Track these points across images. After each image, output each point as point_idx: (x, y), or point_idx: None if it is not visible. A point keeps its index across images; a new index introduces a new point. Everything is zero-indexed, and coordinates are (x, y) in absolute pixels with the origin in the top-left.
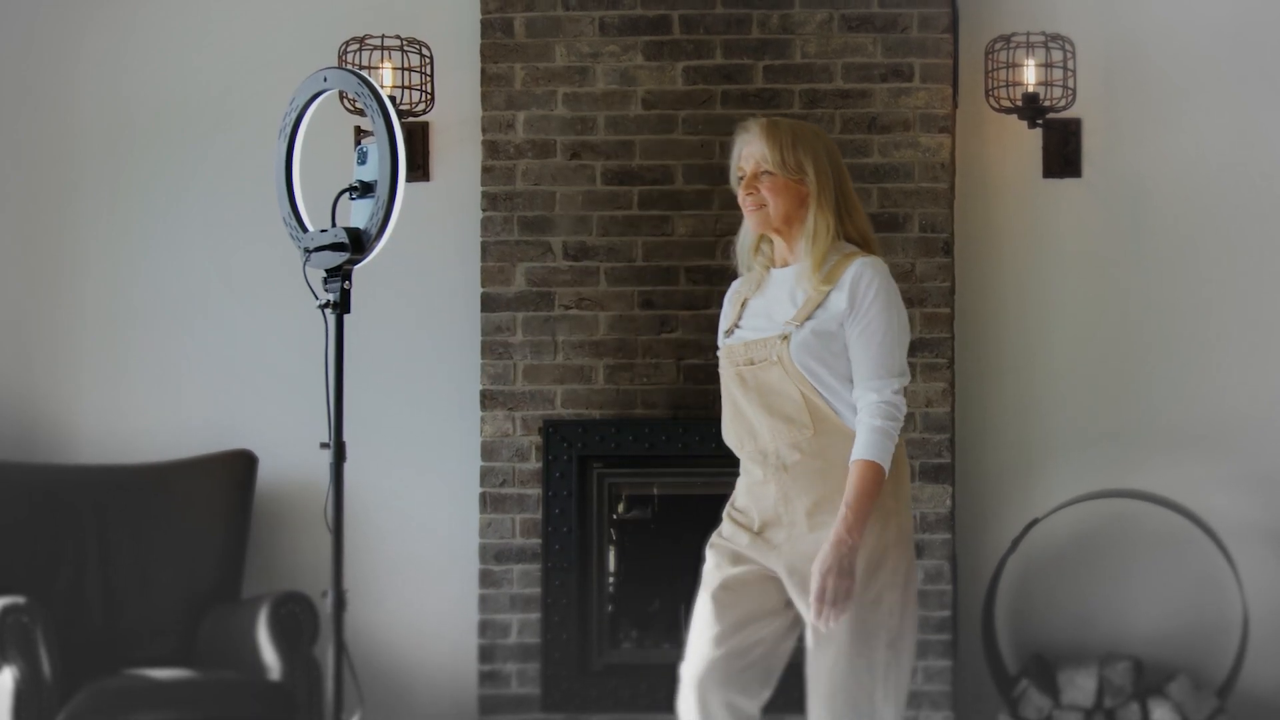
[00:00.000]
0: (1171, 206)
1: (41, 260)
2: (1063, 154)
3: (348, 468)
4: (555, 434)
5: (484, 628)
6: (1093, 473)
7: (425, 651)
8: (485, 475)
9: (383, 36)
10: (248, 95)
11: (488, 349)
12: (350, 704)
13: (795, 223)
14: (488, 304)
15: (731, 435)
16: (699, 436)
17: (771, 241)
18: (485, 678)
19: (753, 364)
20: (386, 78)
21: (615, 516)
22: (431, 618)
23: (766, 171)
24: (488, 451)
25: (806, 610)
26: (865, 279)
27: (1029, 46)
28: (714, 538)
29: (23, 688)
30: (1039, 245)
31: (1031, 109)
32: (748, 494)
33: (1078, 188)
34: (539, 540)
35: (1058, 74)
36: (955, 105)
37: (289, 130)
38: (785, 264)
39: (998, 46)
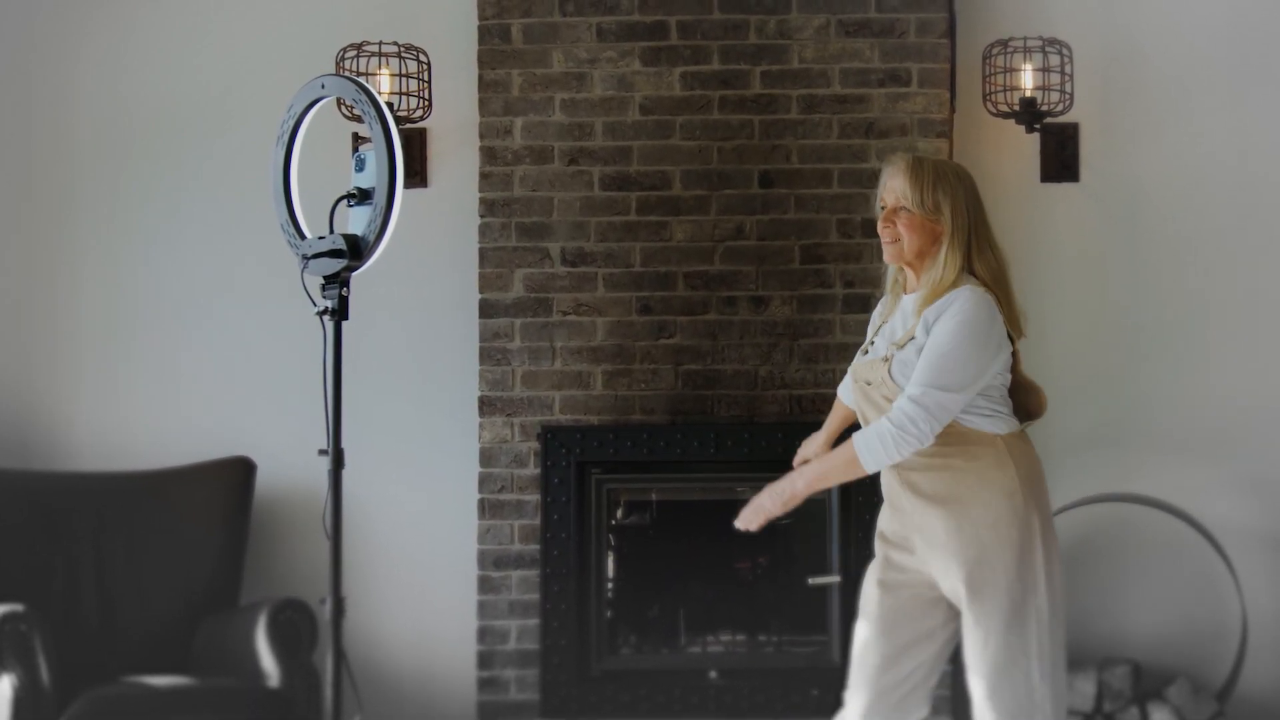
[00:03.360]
0: (1169, 210)
1: (39, 265)
2: (1060, 158)
3: (346, 474)
4: (553, 440)
5: (483, 634)
6: (1091, 477)
7: (424, 658)
8: (483, 481)
9: (380, 43)
10: (246, 101)
11: (486, 355)
12: (349, 710)
13: (927, 257)
14: (485, 310)
15: None
16: (697, 442)
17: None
18: (484, 684)
19: (869, 384)
20: (384, 84)
21: (614, 522)
22: (430, 624)
23: (904, 208)
24: (486, 457)
25: (962, 605)
26: (957, 303)
27: (1026, 51)
28: (870, 568)
29: (21, 696)
30: (1037, 249)
31: (1029, 113)
32: (889, 509)
33: (1075, 192)
34: (537, 546)
35: (1055, 78)
36: (953, 110)
37: (287, 137)
38: (913, 291)
39: (995, 51)
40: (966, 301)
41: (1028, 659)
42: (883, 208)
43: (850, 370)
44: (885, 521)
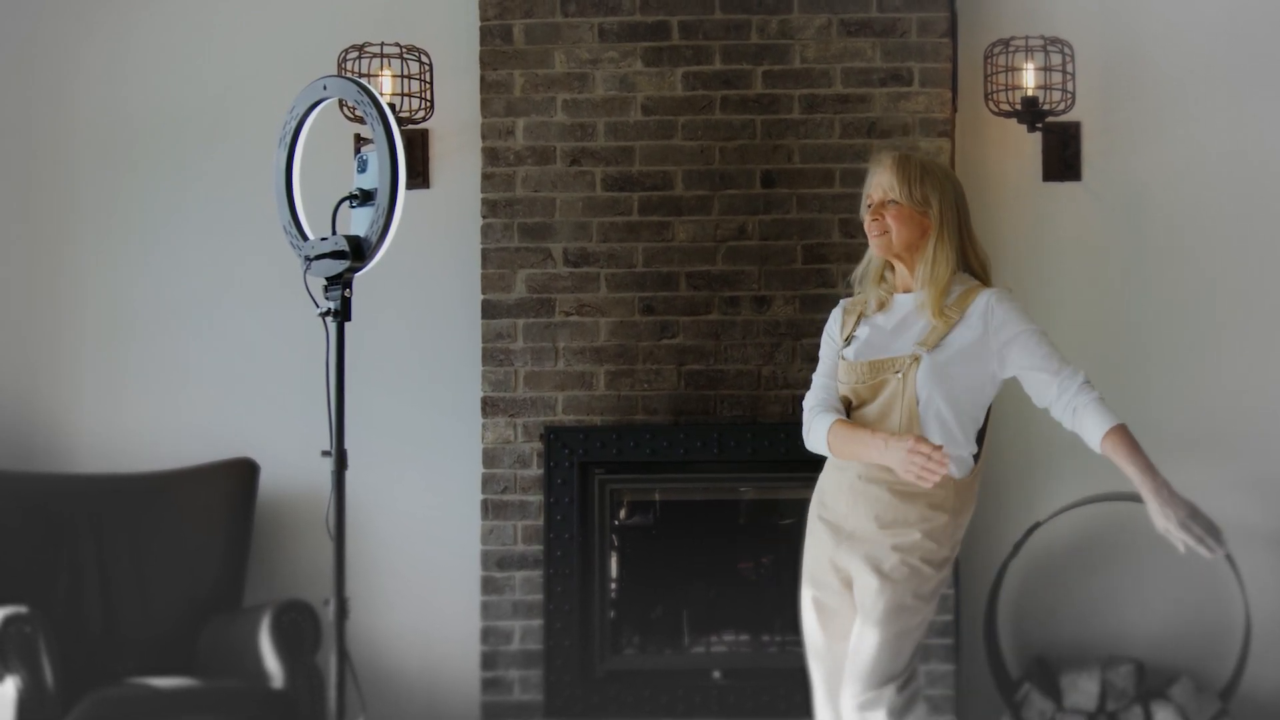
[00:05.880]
0: (1171, 209)
1: (41, 267)
2: (1062, 157)
3: (349, 475)
4: (556, 440)
5: (486, 634)
6: (1093, 476)
7: (427, 659)
8: (487, 482)
9: (382, 44)
10: (248, 103)
11: (489, 356)
12: (353, 711)
13: (916, 251)
14: (488, 311)
15: None
16: (700, 442)
17: (893, 268)
18: (488, 684)
19: (873, 381)
20: (386, 85)
21: (617, 522)
22: (433, 625)
23: (893, 200)
24: (489, 458)
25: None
26: (997, 307)
27: (1028, 50)
28: (805, 610)
29: (25, 697)
30: (1039, 249)
31: (1031, 113)
32: (836, 489)
33: (1077, 191)
34: (541, 547)
35: (1057, 77)
36: (954, 109)
37: (289, 138)
38: (908, 289)
39: (997, 50)
40: (1002, 299)
41: (906, 658)
42: (869, 205)
43: (844, 368)
44: (832, 494)
